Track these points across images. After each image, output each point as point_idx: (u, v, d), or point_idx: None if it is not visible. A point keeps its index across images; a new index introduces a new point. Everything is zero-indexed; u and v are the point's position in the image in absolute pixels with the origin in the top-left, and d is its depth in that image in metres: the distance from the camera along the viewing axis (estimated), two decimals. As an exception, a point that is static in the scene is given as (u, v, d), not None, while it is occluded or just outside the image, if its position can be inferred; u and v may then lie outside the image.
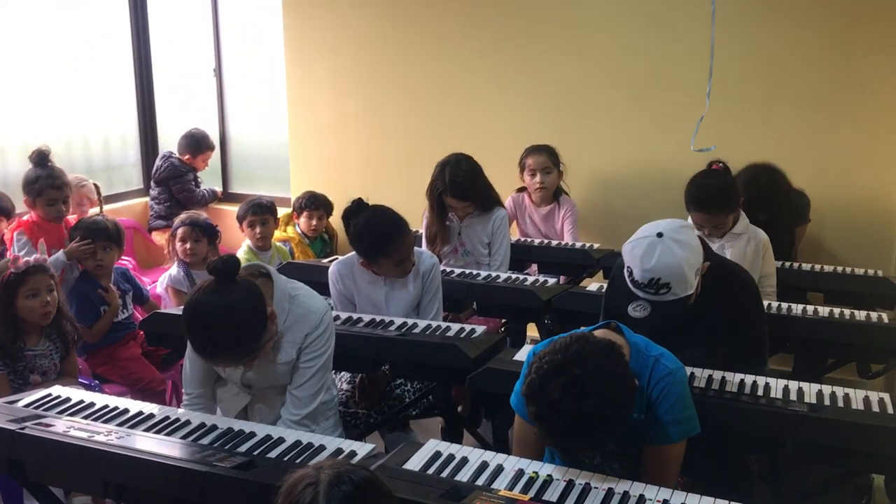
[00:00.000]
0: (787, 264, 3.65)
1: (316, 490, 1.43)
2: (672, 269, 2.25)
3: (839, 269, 3.63)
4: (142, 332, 3.48)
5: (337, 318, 3.01)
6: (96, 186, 4.70)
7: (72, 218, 4.16)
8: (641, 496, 1.80)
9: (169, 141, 5.87)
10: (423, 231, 3.94)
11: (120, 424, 2.19)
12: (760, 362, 2.57)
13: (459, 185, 3.73)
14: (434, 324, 2.94)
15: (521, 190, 4.38)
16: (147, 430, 2.16)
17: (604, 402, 1.80)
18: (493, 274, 3.60)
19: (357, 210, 3.04)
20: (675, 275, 2.26)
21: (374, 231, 2.96)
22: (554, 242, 4.19)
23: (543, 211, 4.33)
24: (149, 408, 2.31)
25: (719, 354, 2.54)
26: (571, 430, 1.82)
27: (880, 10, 3.83)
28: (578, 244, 4.12)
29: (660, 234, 2.28)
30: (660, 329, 2.26)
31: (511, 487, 1.85)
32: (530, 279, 3.56)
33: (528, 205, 4.38)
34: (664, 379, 2.01)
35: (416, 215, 3.99)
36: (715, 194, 3.18)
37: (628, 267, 2.34)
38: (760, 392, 2.32)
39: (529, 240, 4.32)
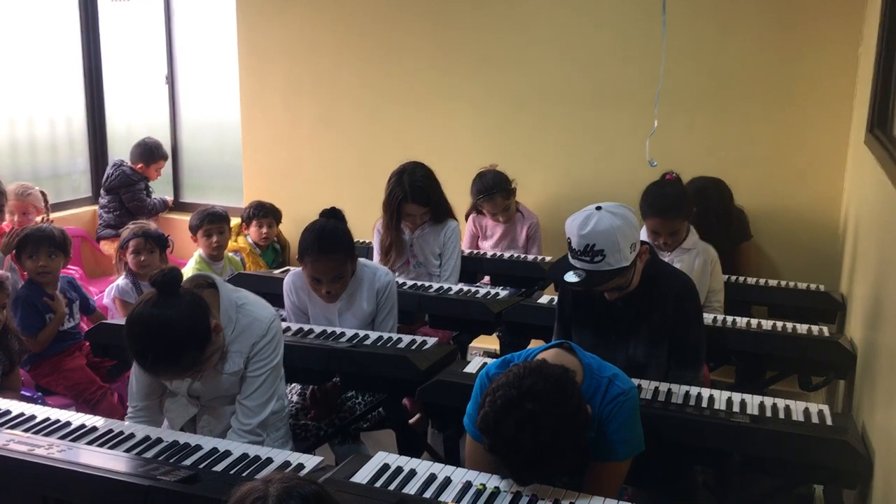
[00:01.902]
0: (733, 278, 3.72)
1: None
2: (606, 236, 2.35)
3: (783, 283, 3.72)
4: (87, 343, 3.42)
5: (288, 329, 2.99)
6: (43, 194, 4.62)
7: (4, 224, 4.10)
8: (587, 508, 1.82)
9: (119, 149, 5.80)
10: (375, 244, 3.93)
11: (62, 438, 2.15)
12: (696, 368, 2.62)
13: (420, 189, 3.73)
14: (385, 335, 2.93)
15: (482, 213, 4.41)
16: (90, 443, 2.12)
17: (558, 436, 1.81)
18: (445, 286, 3.61)
19: (327, 214, 3.06)
20: (609, 242, 2.35)
21: (307, 236, 2.96)
22: (507, 255, 4.22)
23: (505, 224, 4.36)
24: (92, 420, 2.27)
25: (663, 354, 2.59)
26: (527, 464, 1.83)
27: (823, 31, 3.96)
28: (531, 257, 4.16)
29: (598, 208, 2.41)
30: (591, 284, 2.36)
31: (458, 500, 1.86)
32: (482, 291, 3.58)
33: (488, 223, 4.41)
34: (616, 399, 2.05)
35: (369, 225, 3.98)
36: (671, 201, 3.26)
37: (568, 238, 2.43)
38: (705, 404, 2.36)
39: (482, 252, 4.35)
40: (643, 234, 3.29)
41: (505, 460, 1.86)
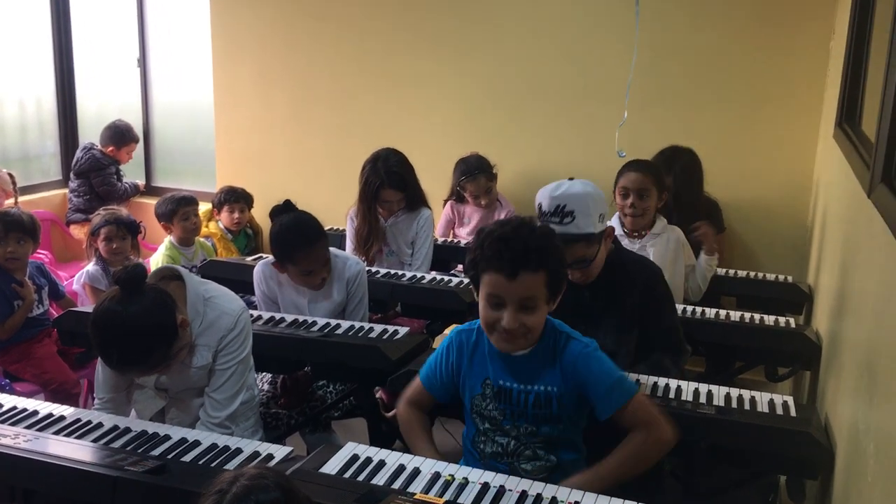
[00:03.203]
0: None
1: (220, 499, 1.41)
2: (578, 199, 2.41)
3: (752, 274, 3.76)
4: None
5: (259, 318, 2.98)
6: (11, 176, 4.56)
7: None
8: (554, 498, 1.84)
9: (90, 132, 5.73)
10: (348, 233, 3.92)
11: (28, 427, 2.13)
12: (679, 352, 2.63)
13: (396, 174, 3.73)
14: (357, 325, 2.93)
15: (460, 199, 4.41)
16: (57, 432, 2.11)
17: (552, 236, 2.01)
18: (418, 275, 3.62)
19: (282, 211, 3.02)
20: (580, 204, 2.40)
21: (286, 236, 2.94)
22: (480, 243, 4.22)
23: (483, 211, 4.37)
24: (59, 409, 2.25)
25: (632, 341, 2.60)
26: (523, 252, 1.91)
27: (794, 25, 3.99)
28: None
29: (571, 178, 2.50)
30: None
31: (427, 490, 1.86)
32: (455, 280, 3.58)
33: (466, 209, 4.42)
34: (582, 353, 2.04)
35: (342, 213, 3.97)
36: (645, 161, 3.37)
37: (538, 203, 2.49)
38: (672, 395, 2.39)
39: (457, 240, 4.36)
40: (614, 222, 3.32)
41: (498, 252, 1.91)
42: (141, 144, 5.65)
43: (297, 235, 2.93)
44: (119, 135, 5.37)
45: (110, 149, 5.35)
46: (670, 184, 3.53)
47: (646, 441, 2.01)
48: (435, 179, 4.30)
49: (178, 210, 4.13)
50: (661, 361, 2.58)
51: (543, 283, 1.95)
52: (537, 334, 2.03)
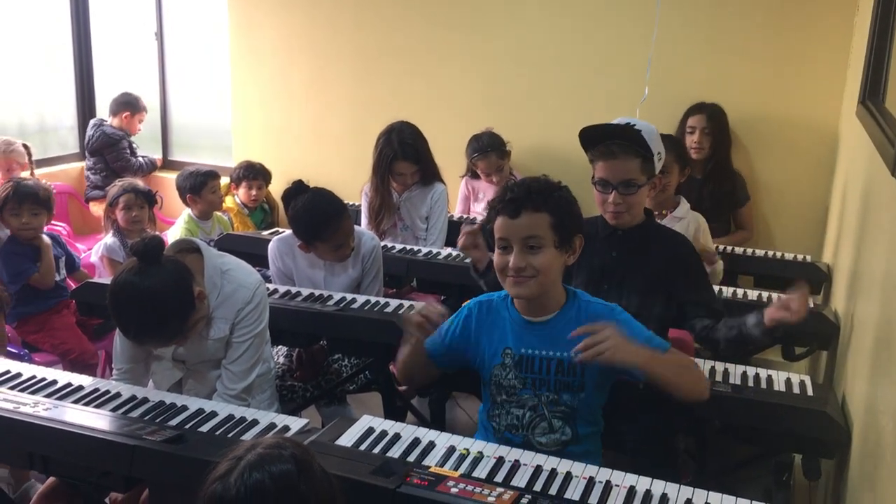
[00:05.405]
0: (720, 248, 3.72)
1: (235, 465, 1.41)
2: (647, 126, 2.49)
3: (770, 253, 3.73)
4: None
5: (275, 291, 2.99)
6: (26, 147, 4.56)
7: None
8: (568, 473, 1.84)
9: (107, 105, 5.73)
10: (363, 207, 3.91)
11: (48, 396, 2.15)
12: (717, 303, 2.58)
13: (410, 146, 3.71)
14: (373, 299, 2.94)
15: (475, 176, 4.41)
16: (76, 401, 2.13)
17: (557, 185, 2.06)
18: (434, 250, 3.62)
19: (297, 192, 3.00)
20: (648, 129, 2.48)
21: (312, 215, 2.93)
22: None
23: (496, 188, 4.36)
24: (78, 379, 2.27)
25: (655, 306, 2.56)
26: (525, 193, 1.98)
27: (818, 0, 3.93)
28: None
29: None
30: None
31: (442, 464, 1.87)
32: (471, 256, 3.57)
33: (481, 186, 4.41)
34: (608, 317, 2.02)
35: (359, 188, 3.97)
36: (669, 136, 3.32)
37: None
38: (688, 372, 2.38)
39: (473, 217, 4.34)
40: None
41: (503, 197, 2.01)
42: (158, 118, 5.64)
43: (322, 214, 2.93)
44: (134, 101, 5.35)
45: (126, 114, 5.31)
46: (703, 125, 3.89)
47: (692, 366, 2.04)
48: (453, 154, 4.28)
49: (208, 182, 4.14)
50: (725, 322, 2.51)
51: (547, 224, 1.97)
52: (549, 279, 2.01)
